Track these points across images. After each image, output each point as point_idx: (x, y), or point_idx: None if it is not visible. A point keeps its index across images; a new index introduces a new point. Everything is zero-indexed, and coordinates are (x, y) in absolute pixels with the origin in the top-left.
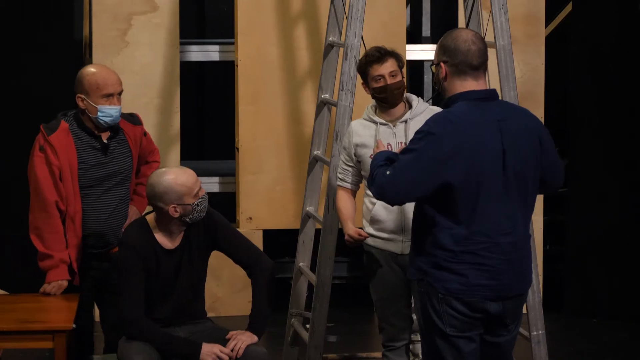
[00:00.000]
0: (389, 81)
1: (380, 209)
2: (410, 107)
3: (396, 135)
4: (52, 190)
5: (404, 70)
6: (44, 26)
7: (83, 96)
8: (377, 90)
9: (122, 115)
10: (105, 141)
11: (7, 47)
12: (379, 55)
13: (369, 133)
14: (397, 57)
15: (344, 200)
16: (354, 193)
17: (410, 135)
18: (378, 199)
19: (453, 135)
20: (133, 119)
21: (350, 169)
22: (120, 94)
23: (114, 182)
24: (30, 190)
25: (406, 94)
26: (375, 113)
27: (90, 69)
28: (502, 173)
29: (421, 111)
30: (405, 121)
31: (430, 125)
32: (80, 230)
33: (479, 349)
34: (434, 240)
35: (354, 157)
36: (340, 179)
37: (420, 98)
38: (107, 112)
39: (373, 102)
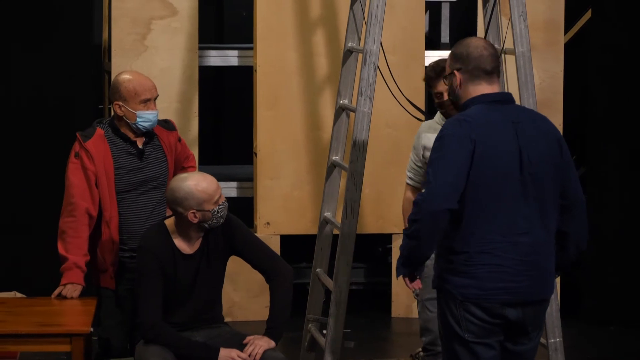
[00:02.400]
0: (446, 99)
1: None
2: None
3: None
4: (83, 196)
5: None
6: (63, 30)
7: (121, 103)
8: (437, 104)
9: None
10: (140, 147)
11: (26, 51)
12: (433, 75)
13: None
14: None
15: (409, 202)
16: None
17: None
18: (427, 220)
19: (469, 133)
20: (167, 125)
21: (418, 169)
22: (156, 98)
23: (150, 187)
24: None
25: None
26: (442, 120)
27: (126, 76)
28: (518, 173)
29: None
30: None
31: (445, 128)
32: (116, 234)
33: (500, 357)
34: (450, 244)
35: (422, 157)
36: (409, 177)
37: None
38: (146, 117)
39: None
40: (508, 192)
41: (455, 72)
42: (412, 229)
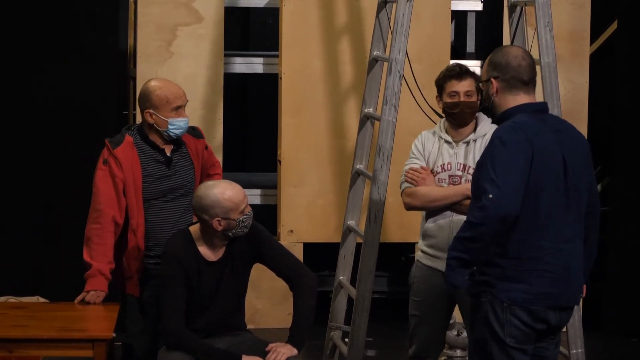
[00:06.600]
0: (463, 99)
1: (431, 224)
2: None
3: (457, 155)
4: (110, 203)
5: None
6: (89, 36)
7: (152, 111)
8: (450, 105)
9: None
10: (168, 155)
11: (52, 56)
12: (459, 71)
13: (433, 147)
14: (476, 79)
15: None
16: None
17: (472, 157)
18: (494, 224)
19: (526, 139)
20: (195, 132)
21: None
22: (185, 105)
23: (177, 195)
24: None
25: (478, 114)
26: (444, 129)
27: (156, 84)
28: (564, 182)
29: (485, 132)
30: (468, 142)
31: (501, 135)
32: (142, 242)
33: None
34: (500, 249)
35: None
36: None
37: (489, 119)
38: (177, 124)
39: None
40: (557, 200)
41: (493, 79)
42: (477, 232)
